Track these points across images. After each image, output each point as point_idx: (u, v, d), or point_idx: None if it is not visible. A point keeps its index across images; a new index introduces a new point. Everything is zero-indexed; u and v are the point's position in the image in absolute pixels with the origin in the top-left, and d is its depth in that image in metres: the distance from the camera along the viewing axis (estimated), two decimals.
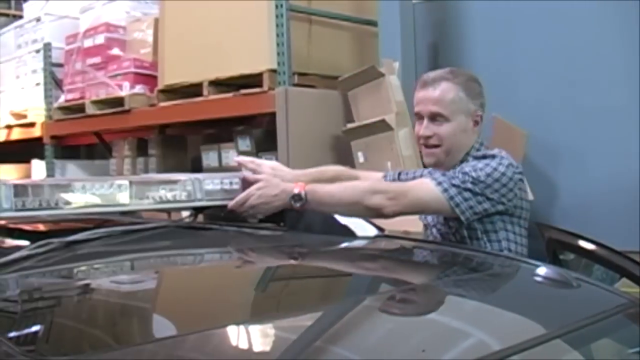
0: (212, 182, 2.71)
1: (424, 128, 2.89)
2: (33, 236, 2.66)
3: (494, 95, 4.66)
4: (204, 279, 2.08)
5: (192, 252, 2.42)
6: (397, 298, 1.81)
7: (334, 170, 3.24)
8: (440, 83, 2.86)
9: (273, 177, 2.80)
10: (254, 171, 2.91)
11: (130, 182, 2.50)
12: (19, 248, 2.27)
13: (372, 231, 2.68)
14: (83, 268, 2.08)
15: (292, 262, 2.36)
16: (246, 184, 2.77)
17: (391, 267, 2.35)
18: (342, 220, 2.72)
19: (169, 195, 2.59)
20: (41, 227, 2.90)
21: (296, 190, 2.69)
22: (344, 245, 2.59)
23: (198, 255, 2.39)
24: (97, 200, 2.41)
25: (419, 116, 2.93)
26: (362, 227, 2.69)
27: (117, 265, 2.20)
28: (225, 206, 2.74)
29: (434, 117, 2.87)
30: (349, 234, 2.64)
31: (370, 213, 2.74)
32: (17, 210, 2.21)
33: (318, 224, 2.74)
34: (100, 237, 2.26)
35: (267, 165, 3.01)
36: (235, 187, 2.77)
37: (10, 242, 2.53)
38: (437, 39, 5.61)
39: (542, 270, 2.04)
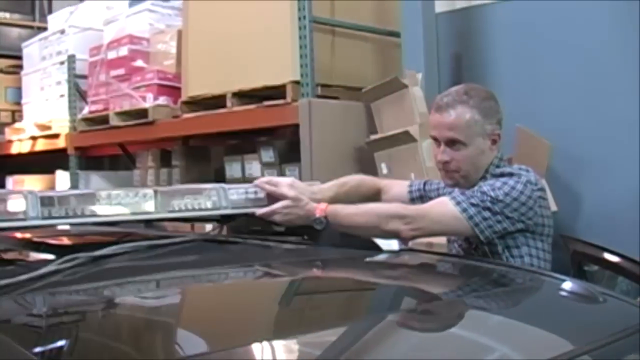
0: (236, 192, 2.74)
1: (442, 153, 2.88)
2: (58, 250, 2.69)
3: (517, 106, 4.71)
4: (239, 296, 2.06)
5: (223, 268, 2.40)
6: (426, 314, 1.81)
7: (355, 181, 3.24)
8: (456, 107, 2.84)
9: (301, 197, 2.82)
10: (273, 193, 2.90)
11: (155, 192, 2.51)
12: (45, 262, 2.30)
13: (395, 244, 2.67)
14: (113, 285, 2.07)
15: (324, 278, 2.35)
16: (272, 198, 2.81)
17: (419, 283, 2.34)
18: None
19: (194, 204, 2.60)
20: (66, 241, 2.92)
21: (317, 214, 2.76)
22: (371, 260, 2.57)
23: (229, 272, 2.36)
24: (123, 210, 2.41)
25: (436, 139, 2.92)
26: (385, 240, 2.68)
27: (149, 282, 2.18)
28: (248, 216, 2.75)
29: (451, 143, 2.86)
30: (373, 247, 2.63)
31: (389, 236, 2.76)
32: (44, 218, 2.22)
33: (343, 236, 2.75)
34: (126, 252, 2.26)
35: (285, 183, 2.99)
36: (260, 196, 2.82)
37: (36, 256, 2.54)
38: (460, 49, 5.60)
39: (568, 284, 2.03)
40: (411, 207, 2.90)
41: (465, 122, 2.83)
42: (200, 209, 2.63)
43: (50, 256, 2.48)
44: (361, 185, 3.23)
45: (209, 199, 2.65)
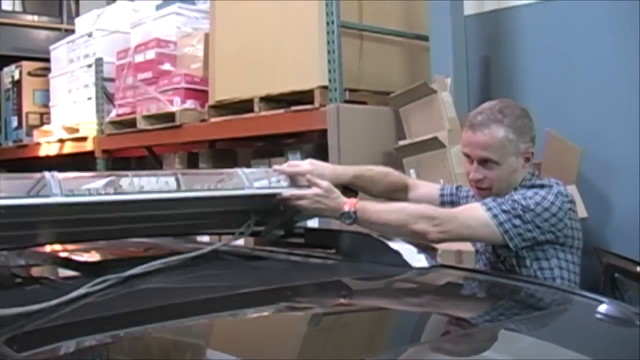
0: (259, 176, 2.77)
1: (475, 171, 2.84)
2: (84, 267, 2.68)
3: (547, 110, 4.66)
4: (283, 322, 2.05)
5: (260, 288, 2.35)
6: (464, 341, 1.78)
7: (383, 169, 3.21)
8: (490, 126, 2.79)
9: (334, 189, 2.79)
10: (294, 174, 2.89)
11: (176, 174, 2.50)
12: (72, 281, 2.29)
13: (423, 260, 2.60)
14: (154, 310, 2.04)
15: (368, 306, 2.30)
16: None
17: (455, 305, 2.29)
18: (393, 245, 2.66)
19: (218, 184, 2.61)
20: (94, 258, 2.91)
21: (346, 208, 2.72)
22: (405, 278, 2.52)
23: (267, 293, 2.29)
24: (148, 188, 2.41)
25: (468, 156, 2.89)
26: (411, 254, 2.62)
27: (192, 307, 2.10)
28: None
29: (484, 161, 2.82)
30: (401, 262, 2.57)
31: (416, 237, 2.74)
32: (65, 195, 2.20)
33: (370, 250, 2.70)
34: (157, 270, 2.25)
35: (304, 164, 2.99)
36: (284, 184, 2.81)
37: (61, 273, 2.53)
38: (488, 52, 5.55)
39: (605, 307, 1.99)
40: (441, 210, 2.86)
41: (499, 141, 2.78)
42: (224, 189, 2.62)
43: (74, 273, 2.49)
44: (388, 175, 3.19)
45: (231, 179, 2.66)
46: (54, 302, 1.84)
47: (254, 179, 2.72)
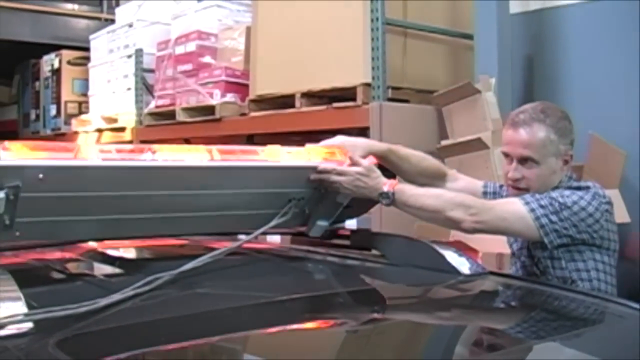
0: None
1: (513, 170, 2.83)
2: (129, 264, 2.66)
3: (590, 112, 4.61)
4: (345, 332, 2.00)
5: (315, 293, 2.32)
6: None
7: (420, 154, 3.16)
8: (532, 125, 2.79)
9: (375, 169, 2.76)
10: (329, 146, 2.87)
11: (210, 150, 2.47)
12: (116, 279, 2.26)
13: (469, 265, 2.56)
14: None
15: (421, 310, 2.27)
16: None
17: (514, 317, 2.26)
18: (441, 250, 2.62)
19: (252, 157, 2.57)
20: (130, 252, 2.89)
21: (385, 188, 2.71)
22: (457, 287, 2.47)
23: (322, 299, 2.24)
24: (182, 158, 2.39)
25: (507, 156, 2.87)
26: (458, 259, 2.58)
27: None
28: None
29: (524, 160, 2.80)
30: (449, 268, 2.53)
31: (450, 224, 2.77)
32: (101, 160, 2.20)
33: (418, 254, 2.66)
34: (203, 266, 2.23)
35: (337, 139, 2.97)
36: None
37: (103, 269, 2.51)
38: (532, 52, 5.50)
39: None
40: (479, 200, 2.84)
41: (541, 140, 2.78)
42: (260, 159, 2.56)
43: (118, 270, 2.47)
44: (425, 159, 3.14)
45: (264, 156, 2.59)
46: (103, 302, 1.81)
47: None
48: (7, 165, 2.03)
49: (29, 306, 1.71)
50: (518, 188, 2.84)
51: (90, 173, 2.20)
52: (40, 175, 2.06)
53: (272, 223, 2.63)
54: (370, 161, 2.82)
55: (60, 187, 2.14)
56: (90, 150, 2.22)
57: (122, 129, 7.45)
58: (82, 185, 2.20)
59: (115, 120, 7.56)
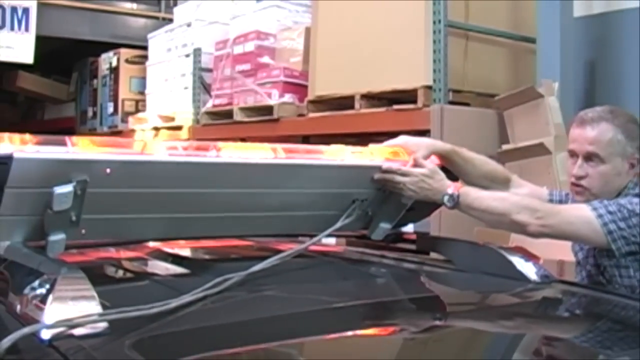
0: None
1: (578, 167, 2.79)
2: (193, 264, 2.66)
3: None
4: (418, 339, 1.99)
5: (383, 299, 2.30)
6: None
7: (480, 157, 3.10)
8: (600, 123, 2.76)
9: (439, 171, 2.73)
10: (392, 145, 2.85)
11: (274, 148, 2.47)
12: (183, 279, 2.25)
13: (537, 272, 2.53)
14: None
15: (493, 319, 2.24)
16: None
17: (583, 327, 2.22)
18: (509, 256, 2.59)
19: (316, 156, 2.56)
20: (195, 252, 2.89)
21: (450, 191, 2.67)
22: (528, 295, 2.44)
23: (392, 305, 2.25)
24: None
25: (573, 154, 2.83)
26: (526, 266, 2.54)
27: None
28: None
29: (589, 158, 2.77)
30: (518, 275, 2.49)
31: (515, 228, 2.72)
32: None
33: (486, 260, 2.63)
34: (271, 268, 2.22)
35: (400, 139, 2.93)
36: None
37: (170, 269, 2.51)
38: (595, 56, 5.42)
39: None
40: (545, 204, 2.81)
41: (608, 139, 2.75)
42: (325, 158, 2.56)
43: (187, 271, 2.47)
44: (489, 163, 3.09)
45: (331, 156, 2.58)
46: (174, 304, 1.80)
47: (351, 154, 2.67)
48: (75, 159, 2.04)
49: (103, 306, 1.71)
50: (580, 185, 2.79)
51: (158, 168, 2.21)
52: (108, 170, 2.07)
53: (338, 225, 2.61)
54: (434, 163, 2.79)
55: (127, 183, 2.15)
56: (157, 146, 2.24)
57: (179, 128, 7.49)
58: (149, 181, 2.21)
59: (172, 119, 7.60)
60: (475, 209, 2.69)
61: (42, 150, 2.00)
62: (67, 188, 1.99)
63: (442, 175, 2.73)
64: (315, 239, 2.53)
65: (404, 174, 2.67)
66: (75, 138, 2.09)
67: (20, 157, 1.93)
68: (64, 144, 2.04)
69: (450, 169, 2.93)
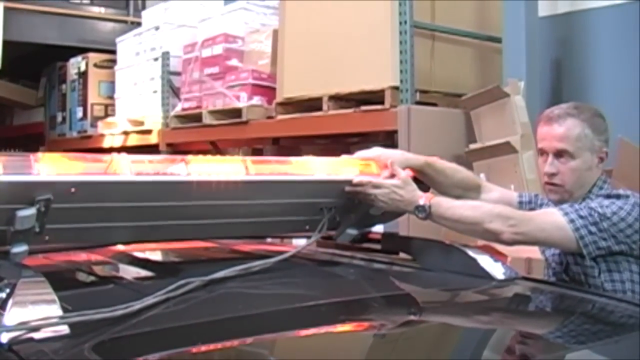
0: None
1: (549, 165, 2.82)
2: (158, 268, 2.66)
3: (620, 116, 4.55)
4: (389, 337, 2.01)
5: (346, 298, 2.32)
6: None
7: (454, 165, 3.14)
8: (566, 119, 2.80)
9: (411, 182, 2.76)
10: (365, 158, 2.87)
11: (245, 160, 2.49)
12: (147, 282, 2.25)
13: (502, 270, 2.55)
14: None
15: (458, 316, 2.26)
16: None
17: (547, 323, 2.25)
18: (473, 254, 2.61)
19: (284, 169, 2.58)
20: (162, 256, 2.89)
21: (421, 202, 2.69)
22: (491, 292, 2.47)
23: (355, 304, 2.26)
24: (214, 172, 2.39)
25: (543, 152, 2.87)
26: (491, 264, 2.56)
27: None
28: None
29: (560, 154, 2.81)
30: (482, 273, 2.50)
31: (488, 236, 2.73)
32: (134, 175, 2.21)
33: (450, 258, 2.65)
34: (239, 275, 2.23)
35: (373, 150, 2.94)
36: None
37: (135, 273, 2.51)
38: (561, 55, 5.47)
39: None
40: (517, 211, 2.83)
41: (576, 134, 2.79)
42: (293, 174, 2.58)
43: (151, 274, 2.47)
44: (460, 171, 3.11)
45: (297, 168, 2.61)
46: (137, 306, 1.81)
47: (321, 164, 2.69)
48: (40, 180, 2.05)
49: (64, 309, 1.71)
50: (553, 183, 2.83)
51: (123, 187, 2.22)
52: (72, 190, 2.09)
53: (312, 239, 2.68)
54: (407, 174, 2.81)
55: (92, 199, 2.17)
56: (122, 162, 2.23)
57: (148, 132, 7.46)
58: (115, 197, 2.23)
59: (141, 123, 7.57)
60: (448, 219, 2.71)
61: (8, 169, 2.01)
62: (30, 211, 2.02)
63: (413, 186, 2.75)
64: (287, 255, 2.54)
65: (375, 186, 2.69)
66: (40, 155, 2.10)
67: None
68: (29, 164, 2.06)
69: (424, 180, 2.96)
